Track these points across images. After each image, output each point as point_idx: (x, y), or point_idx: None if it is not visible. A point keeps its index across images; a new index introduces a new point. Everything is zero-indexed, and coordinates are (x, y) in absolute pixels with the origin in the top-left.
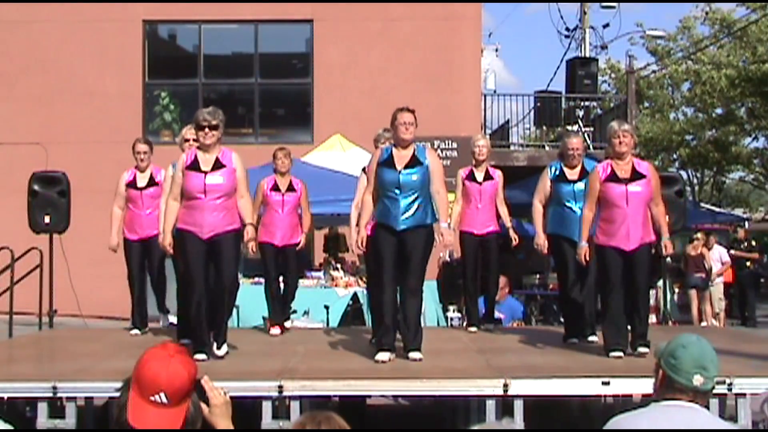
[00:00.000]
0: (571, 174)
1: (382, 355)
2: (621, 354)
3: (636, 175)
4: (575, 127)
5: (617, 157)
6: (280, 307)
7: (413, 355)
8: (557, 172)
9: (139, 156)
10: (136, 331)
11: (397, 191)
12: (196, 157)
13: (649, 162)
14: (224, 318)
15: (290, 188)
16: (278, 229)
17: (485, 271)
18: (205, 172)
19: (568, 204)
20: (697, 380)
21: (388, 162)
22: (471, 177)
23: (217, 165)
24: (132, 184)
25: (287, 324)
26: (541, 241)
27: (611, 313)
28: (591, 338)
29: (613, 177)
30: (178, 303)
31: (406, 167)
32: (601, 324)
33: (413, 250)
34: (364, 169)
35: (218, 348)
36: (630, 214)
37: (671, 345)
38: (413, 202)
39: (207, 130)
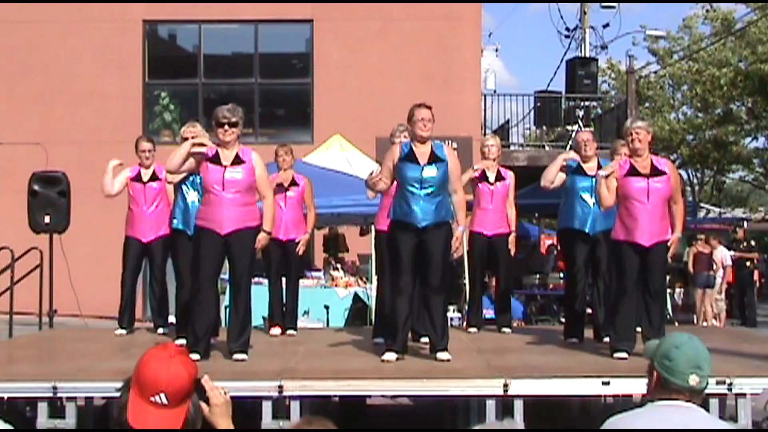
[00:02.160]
0: (589, 169)
1: (390, 355)
2: (626, 355)
3: (656, 171)
4: (575, 127)
5: (634, 153)
6: (280, 308)
7: (441, 355)
8: (576, 166)
9: (144, 154)
10: (121, 331)
11: (417, 186)
12: (217, 152)
13: (666, 159)
14: (243, 321)
15: (293, 183)
16: (281, 225)
17: (495, 272)
18: (225, 166)
19: (584, 198)
20: (693, 380)
21: (409, 157)
22: (483, 178)
23: (237, 160)
24: (136, 179)
25: (292, 332)
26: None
27: (621, 313)
28: (606, 339)
29: (633, 172)
30: (177, 302)
31: (428, 163)
32: (611, 323)
33: (434, 249)
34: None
35: (239, 353)
36: (650, 209)
37: (663, 346)
38: (433, 198)
39: (227, 127)
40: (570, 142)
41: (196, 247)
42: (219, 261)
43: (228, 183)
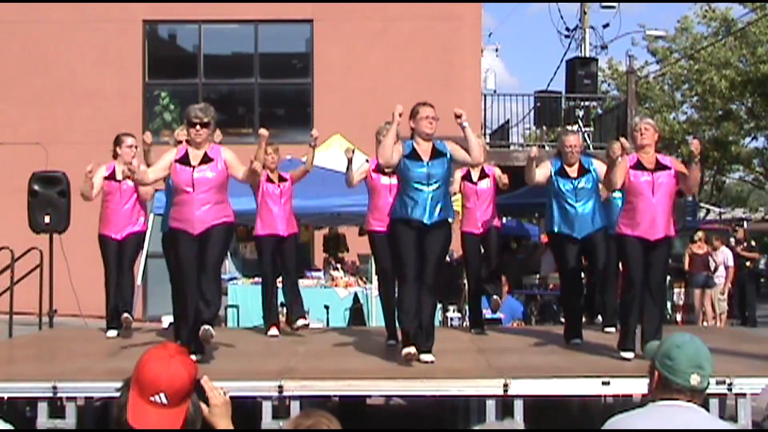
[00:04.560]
0: (571, 171)
1: (410, 349)
2: (632, 355)
3: (661, 167)
4: (575, 127)
5: (640, 149)
6: (275, 308)
7: (425, 357)
8: (558, 168)
9: (132, 149)
10: (113, 332)
11: (425, 183)
12: (186, 152)
13: (671, 156)
14: (212, 295)
15: (281, 179)
16: (277, 221)
17: (487, 260)
18: (194, 167)
19: (569, 202)
20: (695, 380)
21: (412, 155)
22: (468, 177)
23: (206, 159)
24: (111, 177)
25: (300, 322)
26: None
27: (629, 310)
28: (608, 330)
29: (639, 166)
30: (173, 303)
31: (431, 159)
32: (620, 320)
33: (433, 247)
34: (367, 160)
35: (206, 323)
36: (656, 203)
37: (665, 345)
38: (440, 194)
39: (198, 127)
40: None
41: (174, 249)
42: (199, 259)
43: (198, 183)
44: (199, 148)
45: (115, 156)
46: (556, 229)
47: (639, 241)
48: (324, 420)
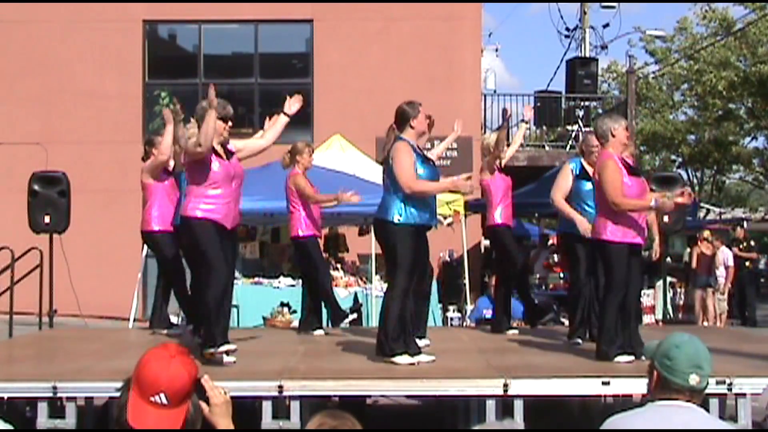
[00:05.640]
0: (594, 173)
1: (405, 359)
2: (632, 357)
3: (636, 170)
4: (575, 127)
5: (625, 149)
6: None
7: (425, 358)
8: (579, 170)
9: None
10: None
11: None
12: (213, 148)
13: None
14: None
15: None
16: (318, 221)
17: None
18: (229, 160)
19: (588, 204)
20: (694, 380)
21: (422, 158)
22: (502, 172)
23: (230, 154)
24: (166, 172)
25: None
26: (585, 225)
27: (611, 317)
28: (577, 340)
29: (631, 171)
30: (191, 296)
31: (433, 163)
32: (600, 327)
33: (426, 251)
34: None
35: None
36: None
37: (664, 345)
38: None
39: (230, 123)
40: (573, 142)
41: (208, 239)
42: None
43: (237, 176)
44: (221, 143)
45: (146, 159)
46: (571, 230)
47: (627, 247)
48: (348, 423)
